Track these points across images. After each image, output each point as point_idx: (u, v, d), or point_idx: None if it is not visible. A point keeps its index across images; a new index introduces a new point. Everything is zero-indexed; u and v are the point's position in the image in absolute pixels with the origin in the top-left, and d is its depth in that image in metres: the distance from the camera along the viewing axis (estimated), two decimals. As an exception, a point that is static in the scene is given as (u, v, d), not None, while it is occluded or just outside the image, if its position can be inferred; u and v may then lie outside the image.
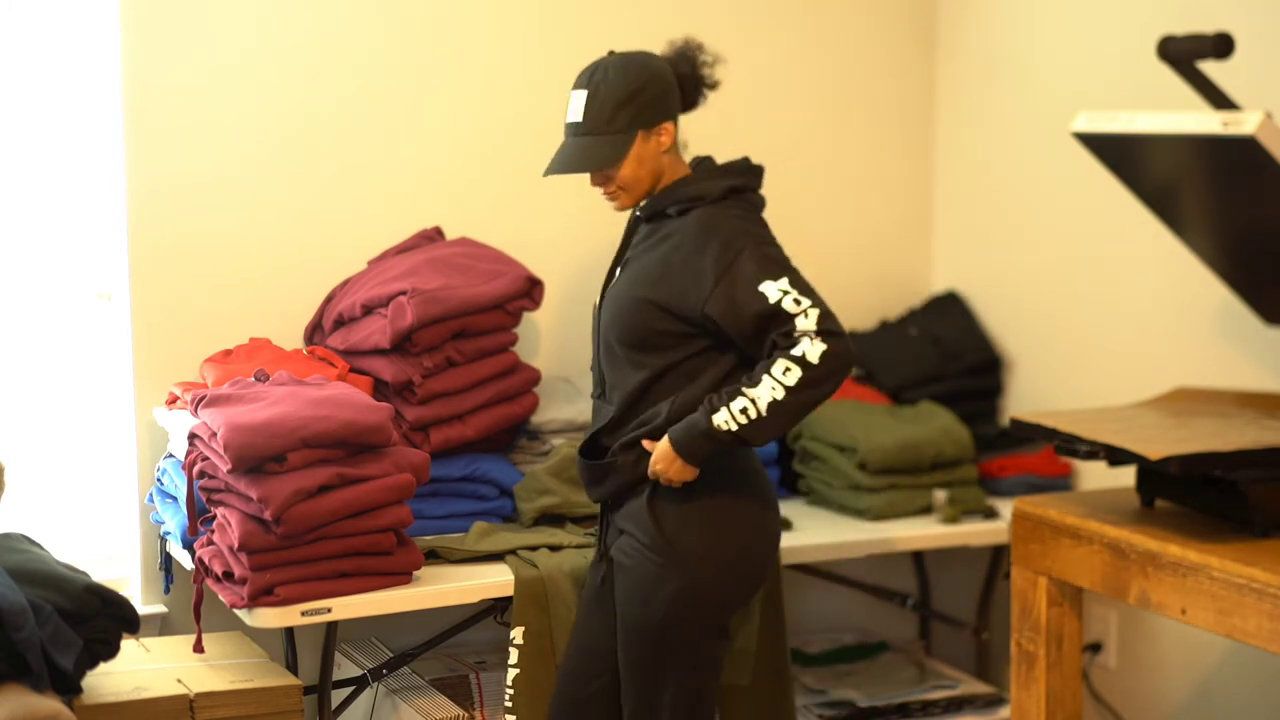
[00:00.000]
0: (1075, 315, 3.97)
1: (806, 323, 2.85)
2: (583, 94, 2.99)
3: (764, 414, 2.84)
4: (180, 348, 3.50)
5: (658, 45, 3.07)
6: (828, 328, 2.85)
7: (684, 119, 3.09)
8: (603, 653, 3.04)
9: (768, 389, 2.83)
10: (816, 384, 2.84)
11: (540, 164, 3.84)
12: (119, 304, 3.51)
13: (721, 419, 2.85)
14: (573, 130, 3.02)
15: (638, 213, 3.07)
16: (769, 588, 3.29)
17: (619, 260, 3.11)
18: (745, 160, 3.07)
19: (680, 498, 2.96)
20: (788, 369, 2.83)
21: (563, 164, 3.02)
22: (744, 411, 2.85)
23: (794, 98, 4.19)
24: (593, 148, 2.99)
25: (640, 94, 2.99)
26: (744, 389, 2.85)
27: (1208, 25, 3.25)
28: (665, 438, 2.90)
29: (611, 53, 3.04)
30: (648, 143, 3.01)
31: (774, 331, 2.86)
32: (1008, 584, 3.32)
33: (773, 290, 2.86)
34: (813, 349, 2.83)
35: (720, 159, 4.30)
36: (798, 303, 2.87)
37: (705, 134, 4.03)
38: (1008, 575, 3.32)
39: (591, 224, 3.89)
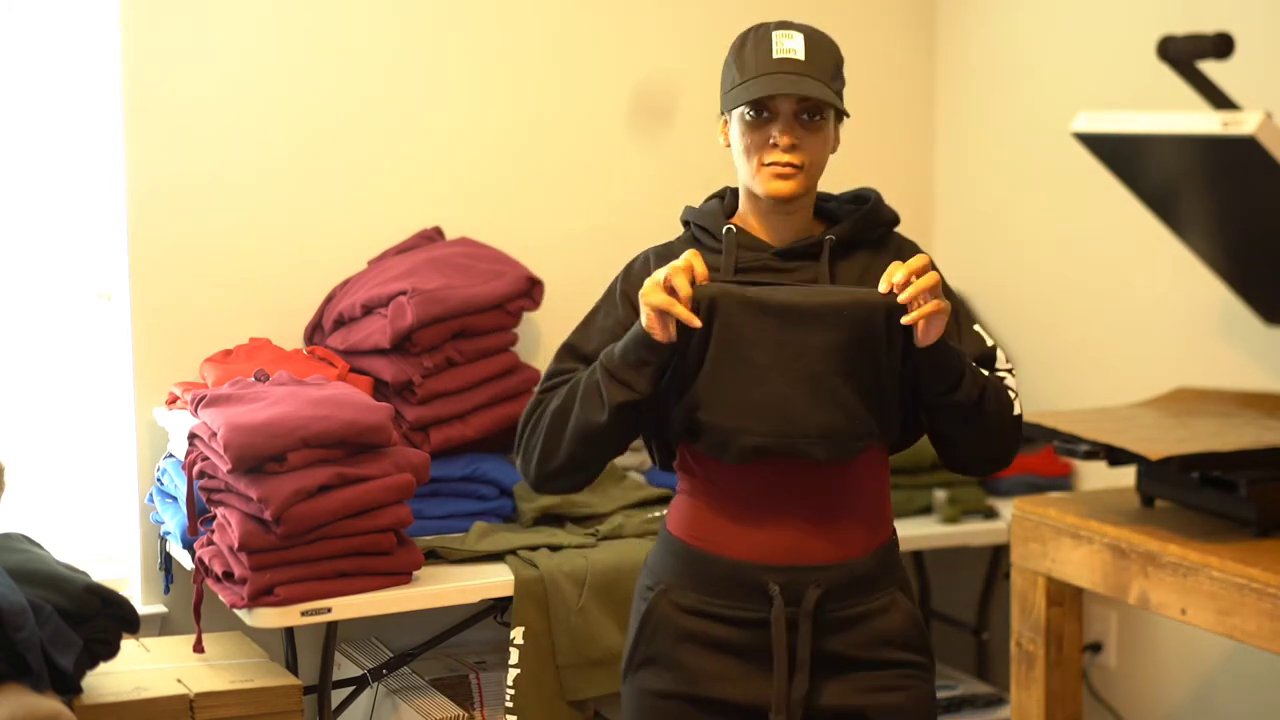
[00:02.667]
0: (1075, 315, 3.97)
1: (1014, 384, 2.44)
2: (798, 35, 2.34)
3: (1003, 407, 2.36)
4: (180, 348, 3.50)
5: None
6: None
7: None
8: None
9: (1012, 394, 2.39)
10: (1016, 438, 2.41)
11: (541, 164, 3.86)
12: (119, 304, 3.51)
13: (970, 367, 2.33)
14: (793, 67, 2.31)
15: (828, 236, 2.38)
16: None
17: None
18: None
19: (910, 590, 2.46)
20: (1014, 401, 2.40)
21: (793, 84, 2.29)
22: (1000, 385, 2.37)
23: (794, 98, 4.18)
24: (827, 92, 2.32)
25: (842, 70, 2.40)
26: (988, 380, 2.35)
27: (1208, 25, 3.25)
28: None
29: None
30: (836, 133, 2.41)
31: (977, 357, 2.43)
32: (1008, 584, 3.32)
33: (985, 336, 2.47)
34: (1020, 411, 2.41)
35: (717, 163, 4.27)
36: (1006, 360, 2.47)
37: (702, 134, 4.03)
38: (1008, 575, 3.32)
39: (592, 224, 3.89)
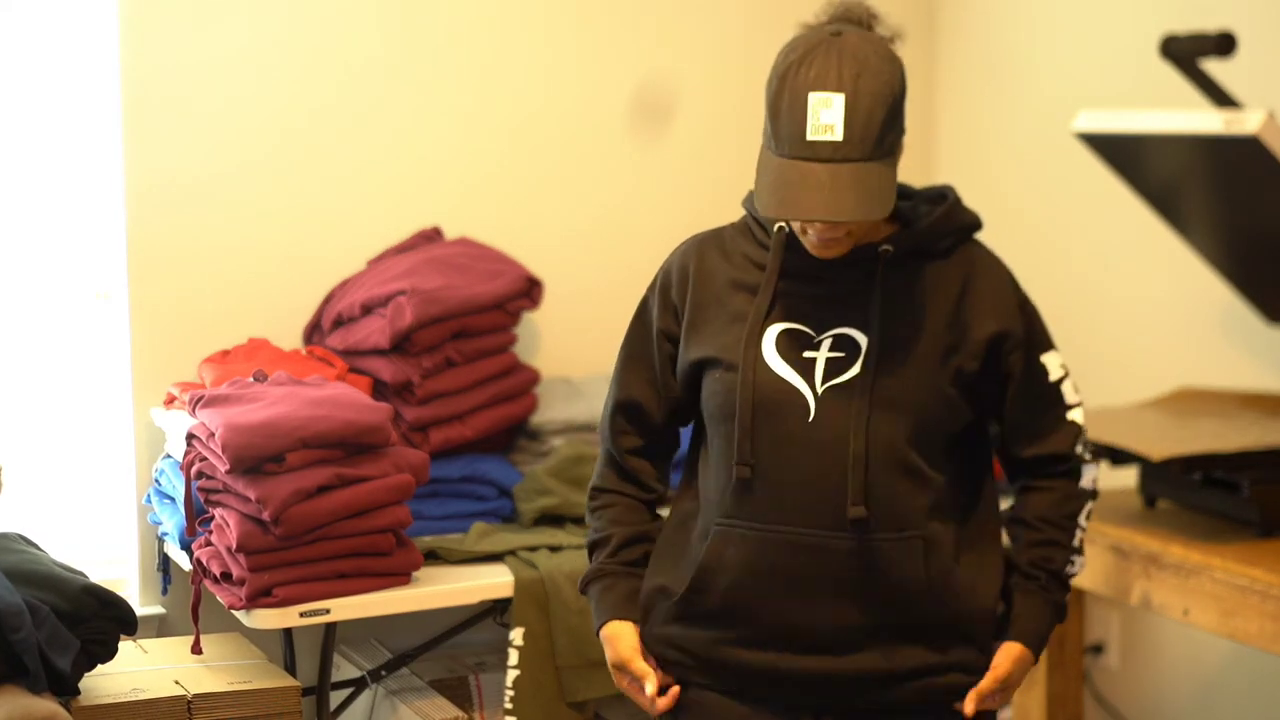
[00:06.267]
0: (1076, 315, 3.95)
1: (1080, 422, 2.29)
2: (838, 99, 2.05)
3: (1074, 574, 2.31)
4: (178, 348, 3.49)
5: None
6: (1088, 435, 2.31)
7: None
8: None
9: (1081, 545, 2.29)
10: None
11: (541, 164, 3.85)
12: (117, 303, 3.50)
13: (1065, 599, 2.30)
14: (828, 151, 2.06)
15: (884, 248, 2.21)
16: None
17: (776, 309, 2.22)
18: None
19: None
20: (1089, 513, 2.30)
21: (833, 206, 2.07)
22: (1071, 579, 2.29)
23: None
24: (866, 182, 2.07)
25: (901, 102, 2.14)
26: (1071, 554, 2.27)
27: (1210, 23, 3.25)
28: (1017, 655, 2.26)
29: (840, 33, 2.12)
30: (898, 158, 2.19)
31: (1050, 426, 2.28)
32: (1009, 585, 3.31)
33: (1054, 365, 2.31)
34: (1095, 477, 2.31)
35: (718, 163, 4.26)
36: (1076, 391, 2.31)
37: (700, 135, 4.03)
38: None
39: (592, 224, 3.88)
